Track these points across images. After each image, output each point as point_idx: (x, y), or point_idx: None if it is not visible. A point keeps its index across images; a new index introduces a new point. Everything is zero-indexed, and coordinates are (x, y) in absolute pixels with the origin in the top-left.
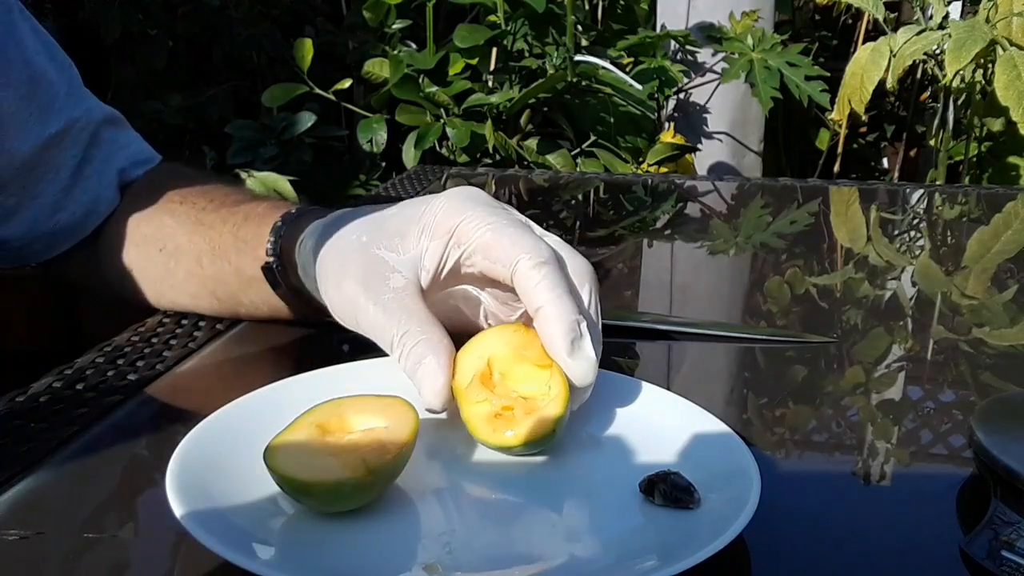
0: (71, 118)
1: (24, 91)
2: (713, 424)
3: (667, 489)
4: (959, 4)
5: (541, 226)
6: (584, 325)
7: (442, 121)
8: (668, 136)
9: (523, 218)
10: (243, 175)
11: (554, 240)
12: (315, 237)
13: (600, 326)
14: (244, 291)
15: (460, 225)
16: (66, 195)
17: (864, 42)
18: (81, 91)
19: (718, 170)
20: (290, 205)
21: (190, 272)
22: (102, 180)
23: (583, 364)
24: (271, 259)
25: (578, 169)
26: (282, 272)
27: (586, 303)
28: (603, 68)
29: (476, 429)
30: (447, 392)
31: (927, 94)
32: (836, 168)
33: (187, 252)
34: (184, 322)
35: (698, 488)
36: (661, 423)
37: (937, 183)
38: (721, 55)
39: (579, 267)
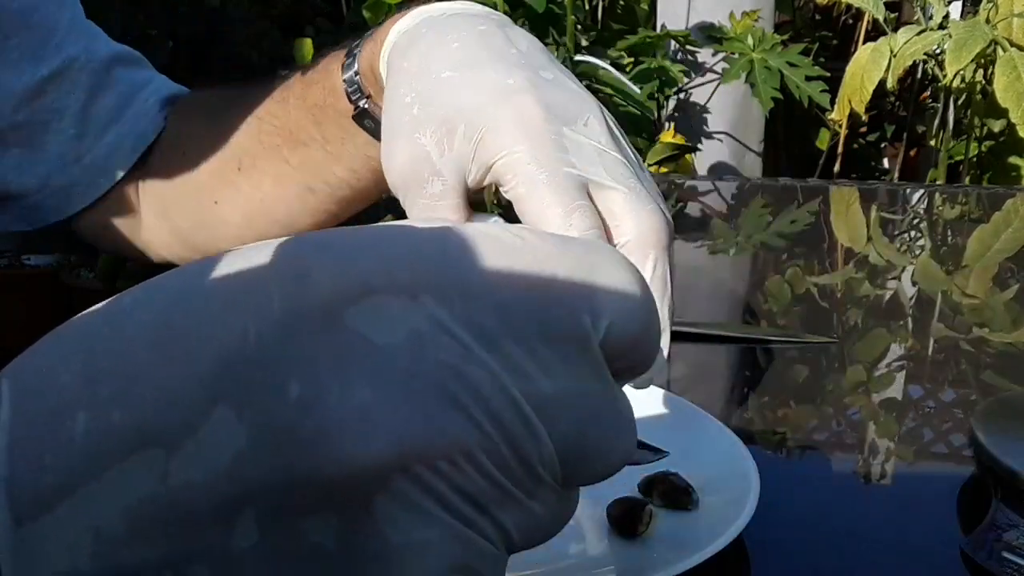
0: (68, 57)
1: (11, 31)
2: (712, 425)
3: (665, 490)
4: (959, 4)
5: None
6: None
7: None
8: (668, 136)
9: (587, 150)
10: None
11: (612, 196)
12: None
13: (668, 302)
14: (340, 164)
15: (499, 162)
16: (77, 144)
17: (864, 42)
18: (83, 28)
19: (718, 170)
20: (344, 46)
21: (278, 176)
22: (121, 131)
23: None
24: (359, 101)
25: None
26: (376, 107)
27: (647, 276)
28: (603, 69)
29: None
30: None
31: (927, 94)
32: (836, 168)
33: (265, 155)
34: None
35: (696, 489)
36: (659, 424)
37: (937, 183)
38: (721, 55)
39: (643, 232)
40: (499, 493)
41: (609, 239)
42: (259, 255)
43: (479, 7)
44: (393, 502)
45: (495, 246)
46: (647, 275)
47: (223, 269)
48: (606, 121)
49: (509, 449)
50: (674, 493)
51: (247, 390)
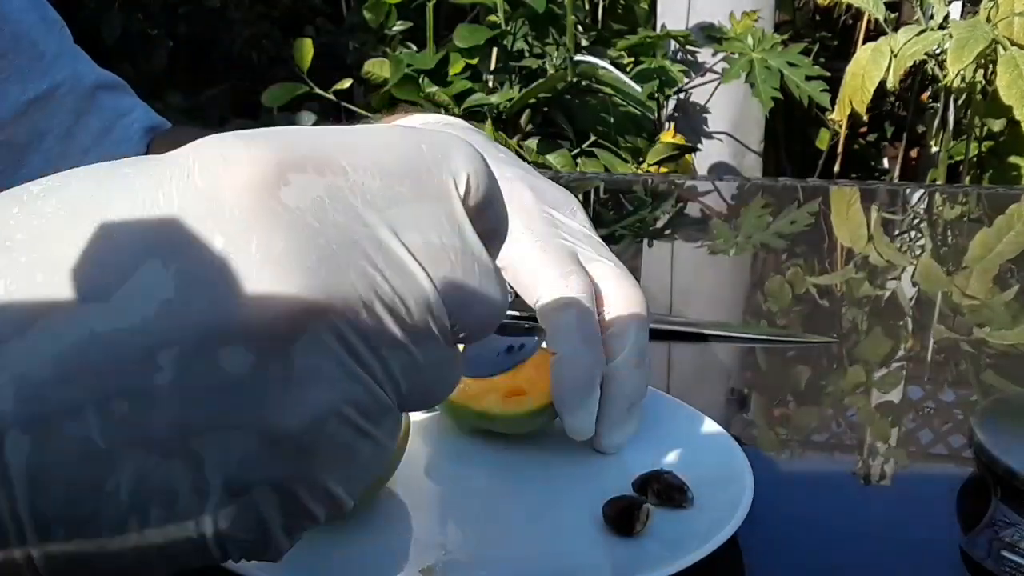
0: (55, 82)
1: (2, 52)
2: (706, 424)
3: (660, 488)
4: (959, 4)
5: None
6: (597, 381)
7: None
8: (668, 136)
9: (576, 231)
10: None
11: (601, 268)
12: None
13: (644, 370)
14: None
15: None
16: (59, 164)
17: (865, 42)
18: (71, 53)
19: (718, 170)
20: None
21: None
22: (102, 155)
23: (579, 421)
24: None
25: (578, 169)
26: None
27: (625, 348)
28: (603, 68)
29: (482, 404)
30: None
31: (928, 94)
32: (836, 168)
33: None
34: None
35: (691, 488)
36: (655, 424)
37: (937, 183)
38: (721, 55)
39: (624, 300)
40: (389, 337)
41: (598, 303)
42: (180, 151)
43: (470, 125)
44: (305, 341)
45: (372, 132)
46: (627, 342)
47: (143, 161)
48: (587, 215)
49: (400, 297)
50: (669, 491)
51: (174, 244)
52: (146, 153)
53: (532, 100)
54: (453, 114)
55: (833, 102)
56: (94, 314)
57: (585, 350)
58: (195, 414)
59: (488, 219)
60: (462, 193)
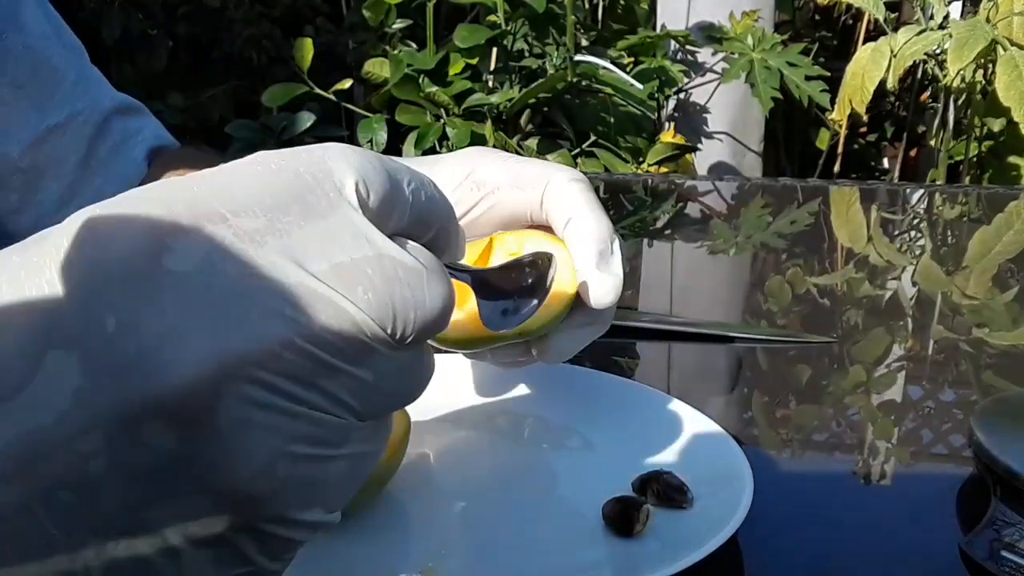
0: (73, 110)
1: (23, 80)
2: (706, 425)
3: (660, 488)
4: (959, 4)
5: None
6: (616, 243)
7: (442, 121)
8: (668, 136)
9: None
10: None
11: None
12: None
13: (602, 214)
14: None
15: (477, 169)
16: (71, 191)
17: (864, 42)
18: (90, 79)
19: (718, 170)
20: None
21: None
22: (108, 176)
23: (608, 281)
24: None
25: (578, 169)
26: None
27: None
28: (603, 68)
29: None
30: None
31: (927, 94)
32: (836, 168)
33: None
34: None
35: (691, 488)
36: (654, 425)
37: (937, 183)
38: (721, 55)
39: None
40: (321, 367)
41: None
42: (56, 229)
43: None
44: (225, 401)
45: (245, 168)
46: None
47: (27, 247)
48: None
49: (321, 327)
50: (669, 491)
51: (69, 333)
52: (147, 173)
53: (532, 100)
54: (453, 114)
55: (833, 102)
56: (13, 413)
57: (598, 211)
58: (139, 491)
59: (400, 214)
60: (355, 202)
